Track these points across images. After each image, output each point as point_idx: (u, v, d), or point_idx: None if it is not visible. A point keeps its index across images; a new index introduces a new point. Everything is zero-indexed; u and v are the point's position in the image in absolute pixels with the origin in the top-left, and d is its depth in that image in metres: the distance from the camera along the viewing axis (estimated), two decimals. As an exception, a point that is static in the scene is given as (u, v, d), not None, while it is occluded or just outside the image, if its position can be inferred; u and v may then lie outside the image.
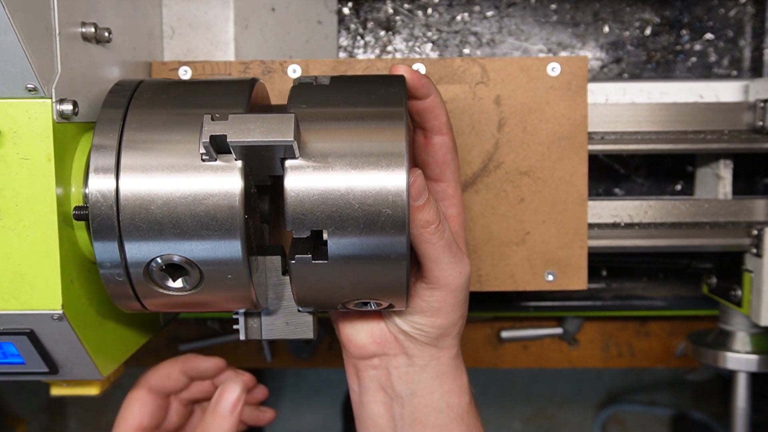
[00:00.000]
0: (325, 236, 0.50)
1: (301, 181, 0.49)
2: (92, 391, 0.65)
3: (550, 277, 0.72)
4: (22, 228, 0.52)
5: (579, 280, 0.72)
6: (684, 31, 0.92)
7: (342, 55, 0.92)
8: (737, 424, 0.82)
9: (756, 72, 0.92)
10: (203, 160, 0.50)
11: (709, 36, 0.93)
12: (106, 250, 0.52)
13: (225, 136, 0.47)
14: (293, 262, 0.51)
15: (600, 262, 0.89)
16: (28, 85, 0.50)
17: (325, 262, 0.51)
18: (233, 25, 0.76)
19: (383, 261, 0.51)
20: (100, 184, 0.51)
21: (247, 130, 0.47)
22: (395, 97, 0.53)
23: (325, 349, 1.04)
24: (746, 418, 0.82)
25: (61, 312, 0.53)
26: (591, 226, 0.77)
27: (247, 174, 0.51)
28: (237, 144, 0.48)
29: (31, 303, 0.53)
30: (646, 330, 1.02)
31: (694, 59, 0.93)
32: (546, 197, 0.71)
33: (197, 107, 0.53)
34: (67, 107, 0.52)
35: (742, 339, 0.82)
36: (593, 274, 0.91)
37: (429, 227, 0.53)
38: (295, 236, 0.51)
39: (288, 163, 0.49)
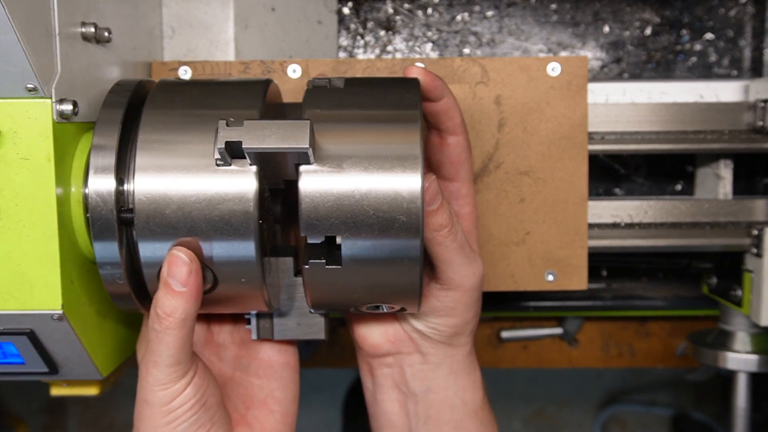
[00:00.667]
0: (338, 241, 0.50)
1: (316, 187, 0.49)
2: (92, 391, 0.65)
3: (550, 277, 0.72)
4: (22, 228, 0.52)
5: (579, 280, 0.72)
6: (684, 31, 0.92)
7: (342, 55, 0.92)
8: (737, 424, 0.82)
9: (756, 72, 0.92)
10: (218, 165, 0.50)
11: (709, 36, 0.93)
12: (106, 251, 0.52)
13: (240, 143, 0.47)
14: (307, 267, 0.51)
15: (600, 262, 0.89)
16: (28, 85, 0.50)
17: (339, 267, 0.51)
18: (233, 25, 0.76)
19: (397, 266, 0.51)
20: (100, 185, 0.51)
21: (263, 137, 0.47)
22: (410, 101, 0.53)
23: (325, 349, 1.04)
24: (746, 418, 0.82)
25: (61, 312, 0.53)
26: (591, 226, 0.77)
27: (262, 179, 0.51)
28: (252, 150, 0.48)
29: (31, 303, 0.53)
30: (646, 330, 1.02)
31: (694, 59, 0.93)
32: (546, 197, 0.71)
33: (213, 108, 0.52)
34: (67, 107, 0.52)
35: (742, 339, 0.82)
36: (593, 274, 0.91)
37: (442, 230, 0.53)
38: (309, 241, 0.51)
39: (302, 168, 0.49)
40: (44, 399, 1.81)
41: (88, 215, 0.53)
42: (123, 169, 0.53)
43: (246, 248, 0.50)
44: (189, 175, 0.50)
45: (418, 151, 0.50)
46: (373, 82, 0.56)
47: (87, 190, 0.52)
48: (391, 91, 0.54)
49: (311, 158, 0.49)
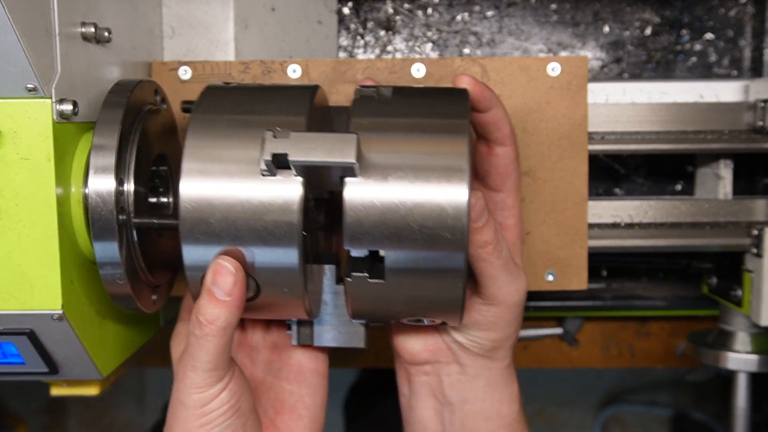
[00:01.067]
0: (381, 254, 0.50)
1: (361, 200, 0.49)
2: (92, 391, 0.65)
3: (550, 277, 0.72)
4: (22, 228, 0.52)
5: (579, 280, 0.72)
6: (684, 31, 0.92)
7: (342, 55, 0.92)
8: (737, 424, 0.82)
9: (756, 72, 0.92)
10: (263, 175, 0.49)
11: (709, 36, 0.93)
12: (106, 251, 0.52)
13: (286, 155, 0.47)
14: (349, 279, 0.51)
15: (600, 262, 0.89)
16: (28, 85, 0.50)
17: (382, 281, 0.51)
18: (233, 25, 0.76)
19: (440, 282, 0.51)
20: (100, 185, 0.51)
21: (309, 150, 0.47)
22: (459, 112, 0.52)
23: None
24: (746, 418, 0.82)
25: (61, 312, 0.53)
26: (591, 226, 0.77)
27: (307, 189, 0.50)
28: (298, 164, 0.47)
29: (31, 303, 0.53)
30: (646, 330, 1.02)
31: (694, 59, 0.93)
32: (546, 197, 0.71)
33: (261, 114, 0.52)
34: (67, 107, 0.52)
35: (742, 339, 0.82)
36: (593, 274, 0.91)
37: (487, 247, 0.53)
38: (352, 254, 0.50)
39: (348, 180, 0.49)
40: (44, 399, 1.81)
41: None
42: (123, 169, 0.53)
43: (289, 258, 0.50)
44: (234, 183, 0.49)
45: (465, 164, 0.49)
46: (421, 92, 0.55)
47: (87, 190, 0.52)
48: (439, 101, 0.53)
49: (357, 172, 0.48)
